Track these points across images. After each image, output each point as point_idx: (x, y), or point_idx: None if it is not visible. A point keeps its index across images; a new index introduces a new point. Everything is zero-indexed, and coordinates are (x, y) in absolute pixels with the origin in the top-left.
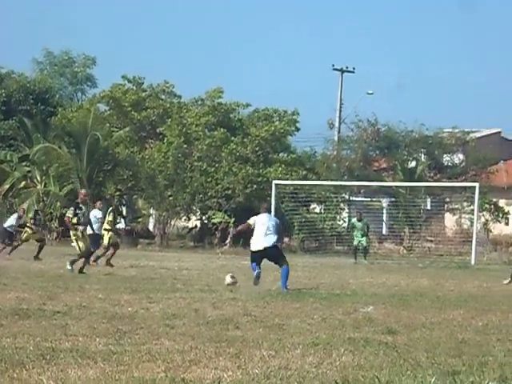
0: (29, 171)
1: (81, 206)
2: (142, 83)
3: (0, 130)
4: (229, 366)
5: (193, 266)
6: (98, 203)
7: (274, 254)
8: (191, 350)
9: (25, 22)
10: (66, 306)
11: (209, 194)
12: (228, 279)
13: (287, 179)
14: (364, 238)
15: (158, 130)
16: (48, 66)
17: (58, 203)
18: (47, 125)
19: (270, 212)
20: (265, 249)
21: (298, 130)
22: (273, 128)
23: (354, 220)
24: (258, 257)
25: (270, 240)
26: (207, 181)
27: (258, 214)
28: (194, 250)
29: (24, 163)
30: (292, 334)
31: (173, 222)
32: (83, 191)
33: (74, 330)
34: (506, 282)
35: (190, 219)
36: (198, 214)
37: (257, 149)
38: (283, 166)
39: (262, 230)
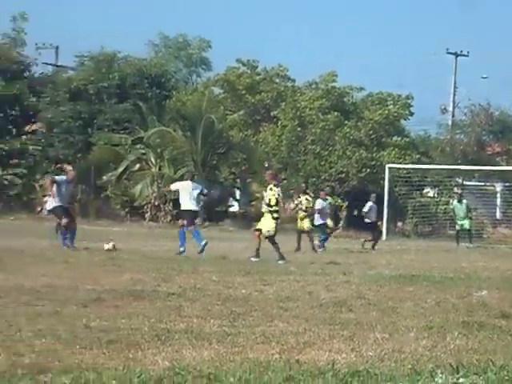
0: (143, 154)
1: None
2: (257, 67)
3: (115, 113)
4: (343, 348)
5: (308, 249)
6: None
7: None
8: (305, 332)
9: (140, 5)
10: (181, 288)
11: (322, 177)
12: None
13: (400, 163)
14: (466, 221)
15: (271, 114)
16: (163, 49)
17: None
18: (162, 108)
19: (377, 196)
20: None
21: (411, 113)
22: (386, 112)
23: (454, 202)
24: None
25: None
26: (321, 164)
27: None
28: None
29: (138, 146)
30: (405, 317)
31: (286, 206)
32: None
33: (188, 311)
34: None
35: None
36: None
37: (370, 132)
38: (397, 149)
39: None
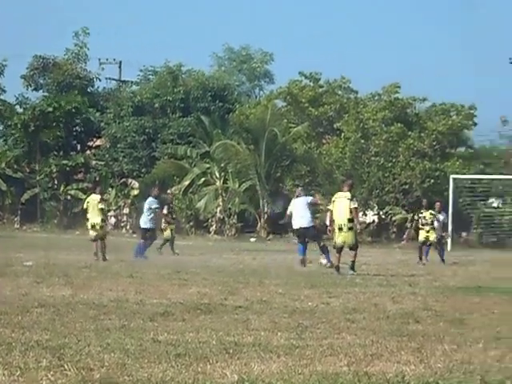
0: (208, 168)
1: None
2: (319, 79)
3: (179, 128)
4: (411, 360)
5: (371, 261)
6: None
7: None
8: (373, 344)
9: (205, 18)
10: (247, 301)
11: (386, 188)
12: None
13: (464, 173)
14: None
15: (335, 126)
16: (226, 62)
17: (237, 199)
18: (225, 121)
19: (446, 206)
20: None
21: (475, 124)
22: (450, 122)
23: None
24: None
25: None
26: (384, 176)
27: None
28: (372, 245)
29: (203, 160)
30: (473, 329)
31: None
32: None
33: (255, 324)
34: None
35: (366, 214)
36: (375, 208)
37: (434, 143)
38: (460, 160)
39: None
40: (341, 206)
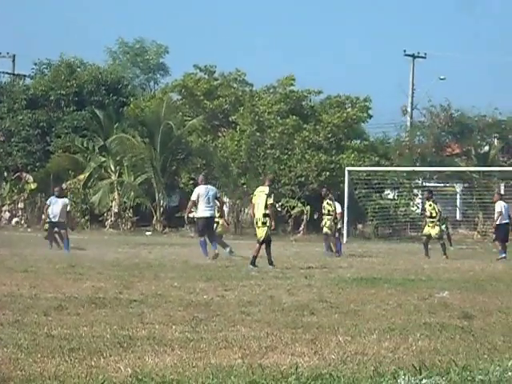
0: (104, 161)
1: None
2: (214, 72)
3: (73, 121)
4: (305, 351)
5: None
6: None
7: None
8: (267, 337)
9: (99, 11)
10: (142, 295)
11: (282, 181)
12: None
13: (360, 166)
14: None
15: (230, 119)
16: (121, 55)
17: (132, 193)
18: (120, 115)
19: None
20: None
21: (370, 116)
22: (345, 115)
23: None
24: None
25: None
26: (280, 168)
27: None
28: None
29: (98, 153)
30: (367, 320)
31: (246, 210)
32: None
33: (150, 318)
34: None
35: None
36: None
37: (329, 136)
38: (356, 152)
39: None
40: (258, 200)
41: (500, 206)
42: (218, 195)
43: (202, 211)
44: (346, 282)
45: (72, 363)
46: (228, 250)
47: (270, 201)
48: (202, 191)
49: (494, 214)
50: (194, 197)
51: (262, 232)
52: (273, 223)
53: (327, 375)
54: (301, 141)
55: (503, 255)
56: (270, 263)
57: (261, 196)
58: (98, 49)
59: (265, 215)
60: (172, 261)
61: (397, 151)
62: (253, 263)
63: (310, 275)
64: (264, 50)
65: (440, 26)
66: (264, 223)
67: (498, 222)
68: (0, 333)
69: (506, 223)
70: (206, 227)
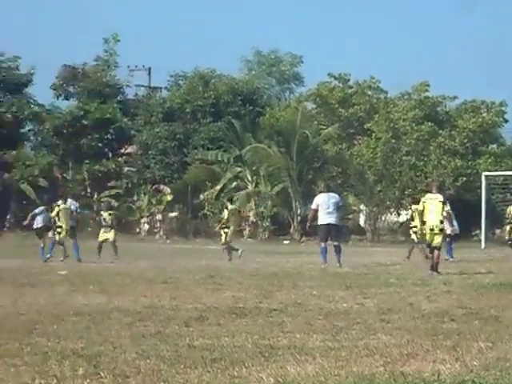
0: (240, 172)
1: None
2: (348, 80)
3: (210, 132)
4: (446, 358)
5: (405, 261)
6: None
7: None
8: (408, 344)
9: (234, 22)
10: (282, 304)
11: (418, 188)
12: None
13: (497, 170)
14: None
15: (365, 126)
16: (256, 66)
17: (269, 202)
18: (256, 125)
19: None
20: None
21: (506, 121)
22: (480, 120)
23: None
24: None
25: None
26: (416, 175)
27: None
28: (406, 245)
29: (234, 164)
30: (508, 326)
31: (383, 217)
32: None
33: (290, 327)
34: None
35: (399, 214)
36: (408, 208)
37: (465, 141)
38: (492, 157)
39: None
40: (433, 208)
41: None
42: (341, 203)
43: (323, 219)
44: (485, 288)
45: (214, 373)
46: (240, 252)
47: (447, 208)
48: (321, 200)
49: None
50: (313, 206)
51: (438, 238)
52: (449, 230)
53: (470, 382)
54: (436, 147)
55: None
56: (433, 268)
57: (434, 203)
58: (232, 59)
59: (441, 222)
60: (310, 269)
61: None
62: (435, 269)
63: (449, 281)
64: (394, 57)
65: None
66: (441, 230)
67: None
68: (142, 344)
69: None
70: (326, 234)
